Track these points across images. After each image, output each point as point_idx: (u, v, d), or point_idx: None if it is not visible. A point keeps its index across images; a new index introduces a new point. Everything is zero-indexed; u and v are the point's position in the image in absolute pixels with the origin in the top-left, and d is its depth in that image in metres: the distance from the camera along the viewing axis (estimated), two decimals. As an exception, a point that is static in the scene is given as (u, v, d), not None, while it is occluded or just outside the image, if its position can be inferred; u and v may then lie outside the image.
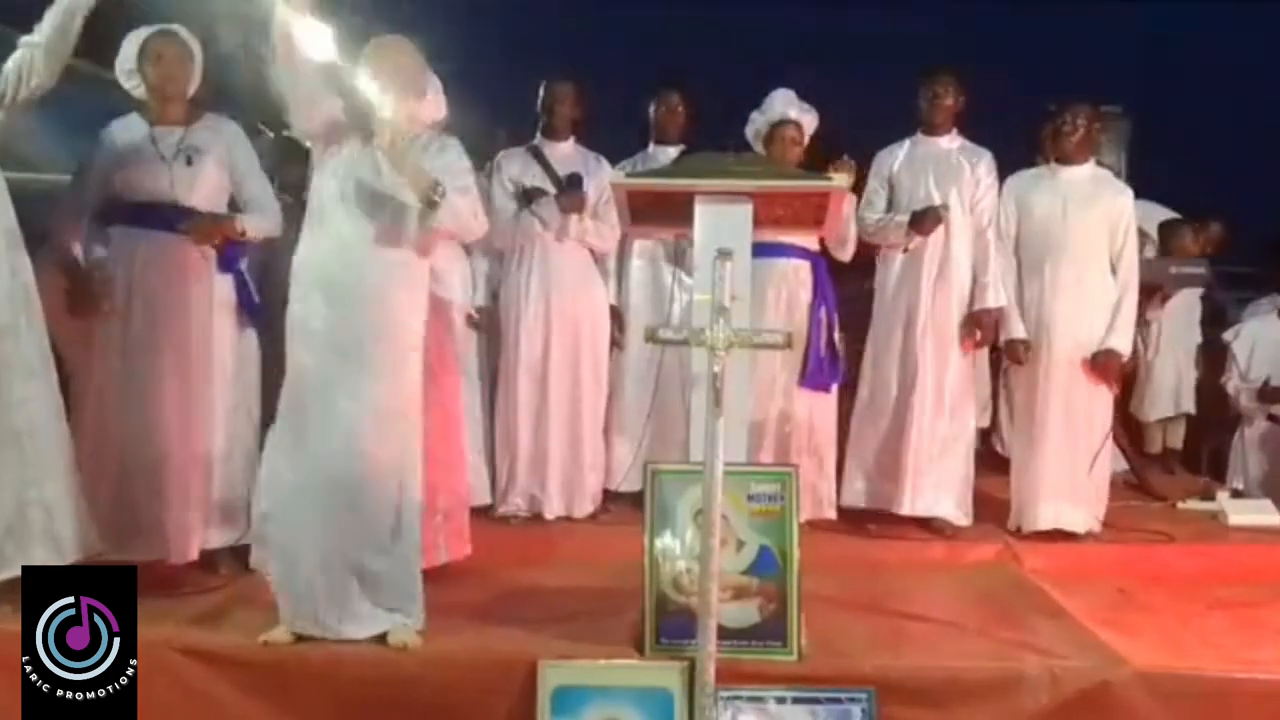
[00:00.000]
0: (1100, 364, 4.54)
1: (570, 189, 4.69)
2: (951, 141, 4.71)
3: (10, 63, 3.45)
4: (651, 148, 5.08)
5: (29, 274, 3.54)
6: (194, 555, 3.85)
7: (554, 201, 4.68)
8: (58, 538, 3.46)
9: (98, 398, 3.86)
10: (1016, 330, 4.69)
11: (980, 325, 4.66)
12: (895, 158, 4.72)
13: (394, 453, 3.31)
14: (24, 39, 3.44)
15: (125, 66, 3.94)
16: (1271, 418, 5.73)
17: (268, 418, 4.02)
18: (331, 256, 3.29)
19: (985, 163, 4.69)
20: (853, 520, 4.68)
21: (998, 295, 4.65)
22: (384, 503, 3.30)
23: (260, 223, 4.00)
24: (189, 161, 3.89)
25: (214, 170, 3.93)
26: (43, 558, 3.39)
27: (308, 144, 3.44)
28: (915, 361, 4.61)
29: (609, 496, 4.88)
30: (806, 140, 4.73)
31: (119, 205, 3.91)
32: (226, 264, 3.98)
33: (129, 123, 3.95)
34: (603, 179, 4.74)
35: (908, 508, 4.57)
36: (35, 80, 3.46)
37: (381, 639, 3.27)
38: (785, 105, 4.73)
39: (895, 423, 4.63)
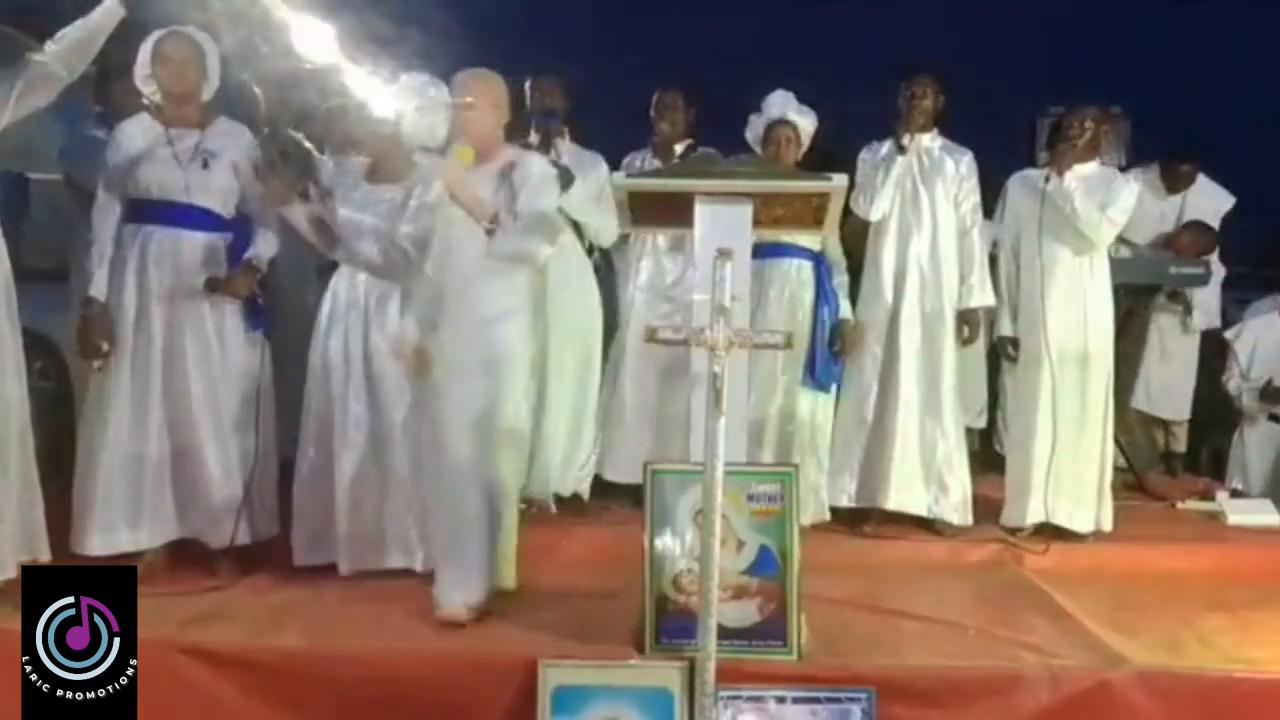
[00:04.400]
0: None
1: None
2: (934, 140, 4.72)
3: (18, 76, 3.49)
4: (650, 149, 5.06)
5: (8, 268, 3.58)
6: (227, 541, 3.91)
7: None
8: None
9: (106, 393, 3.90)
10: (1005, 328, 4.76)
11: (967, 324, 4.67)
12: (877, 155, 4.71)
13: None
14: (36, 56, 3.47)
15: (142, 72, 3.96)
16: (1273, 418, 5.73)
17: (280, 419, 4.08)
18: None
19: (967, 161, 4.70)
20: (851, 520, 4.68)
21: (984, 295, 4.67)
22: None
23: (268, 248, 4.04)
24: (205, 165, 3.91)
25: (227, 175, 3.95)
26: None
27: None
28: (898, 357, 4.61)
29: (607, 490, 4.89)
30: (806, 142, 4.73)
31: (132, 203, 3.94)
32: (234, 264, 3.99)
33: (140, 122, 3.97)
34: (599, 176, 4.75)
35: (893, 502, 4.57)
36: (43, 98, 3.53)
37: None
38: (781, 106, 4.74)
39: (879, 419, 4.64)
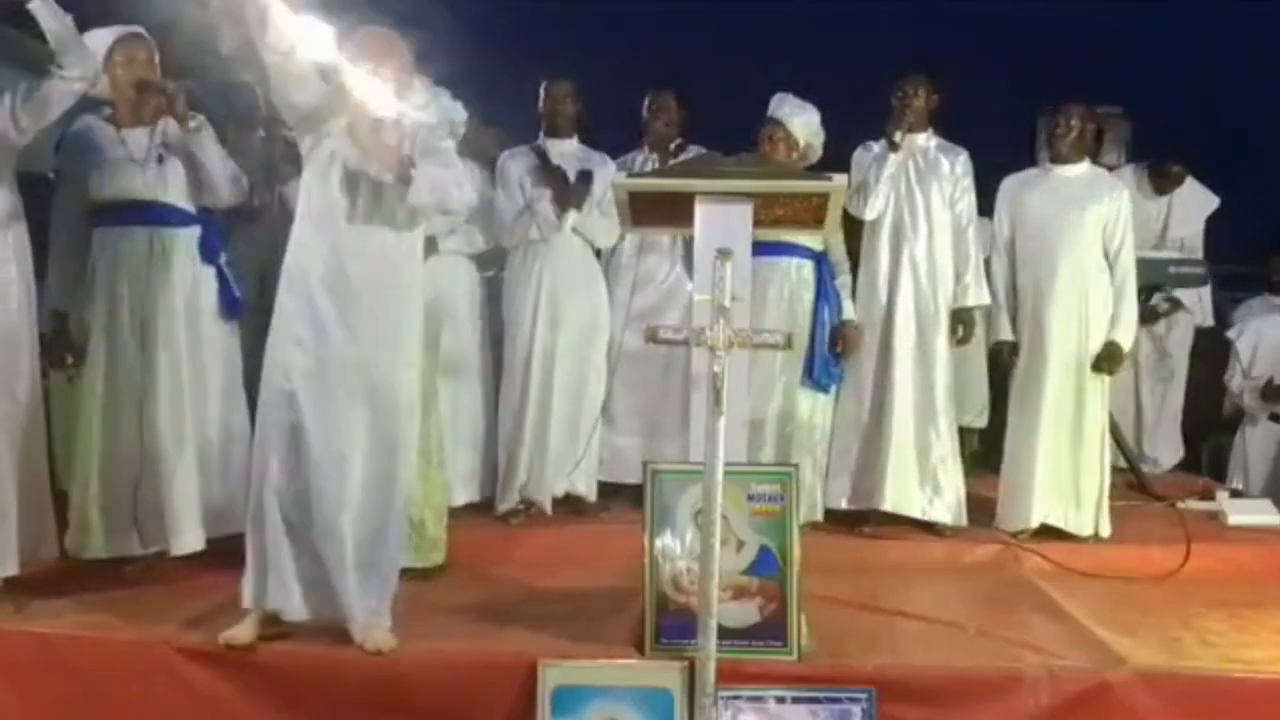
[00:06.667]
0: (1103, 357, 4.56)
1: (578, 185, 4.69)
2: (929, 140, 4.73)
3: (41, 83, 3.52)
4: (646, 148, 5.08)
5: (30, 268, 3.65)
6: (200, 546, 3.91)
7: (550, 199, 4.69)
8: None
9: (88, 393, 3.91)
10: (1003, 332, 4.77)
11: (962, 323, 4.68)
12: (871, 153, 4.71)
13: (397, 449, 3.30)
14: (58, 71, 3.50)
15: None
16: (1274, 417, 5.74)
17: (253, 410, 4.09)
18: (331, 252, 3.24)
19: (962, 161, 4.71)
20: (850, 521, 4.68)
21: (979, 294, 4.68)
22: (379, 502, 3.29)
23: (215, 158, 3.96)
24: (160, 160, 3.93)
25: (185, 165, 3.96)
26: None
27: (296, 137, 3.38)
28: (894, 357, 4.62)
29: (607, 491, 4.89)
30: (803, 141, 4.72)
31: (97, 208, 3.95)
32: (208, 257, 4.02)
33: (91, 126, 3.97)
34: (606, 176, 4.76)
35: (889, 503, 4.57)
36: (66, 103, 3.56)
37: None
38: (773, 106, 4.73)
39: (874, 420, 4.65)
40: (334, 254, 3.24)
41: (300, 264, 3.27)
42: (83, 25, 3.59)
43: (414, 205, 3.24)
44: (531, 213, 4.70)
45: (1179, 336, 6.09)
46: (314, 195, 3.28)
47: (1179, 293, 5.91)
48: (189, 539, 3.88)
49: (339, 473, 3.23)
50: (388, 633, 3.26)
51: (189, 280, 3.97)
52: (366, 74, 3.18)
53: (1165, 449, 6.16)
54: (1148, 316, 5.81)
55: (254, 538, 3.27)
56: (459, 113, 4.37)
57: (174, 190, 3.94)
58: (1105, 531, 4.57)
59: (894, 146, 4.58)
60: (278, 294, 3.30)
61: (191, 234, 3.99)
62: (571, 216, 4.70)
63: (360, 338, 3.24)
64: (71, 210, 3.98)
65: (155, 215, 3.92)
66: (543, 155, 4.77)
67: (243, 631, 3.25)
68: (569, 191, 4.68)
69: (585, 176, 4.71)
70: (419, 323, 3.41)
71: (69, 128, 3.98)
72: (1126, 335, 4.62)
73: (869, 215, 4.67)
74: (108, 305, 3.90)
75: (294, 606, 3.25)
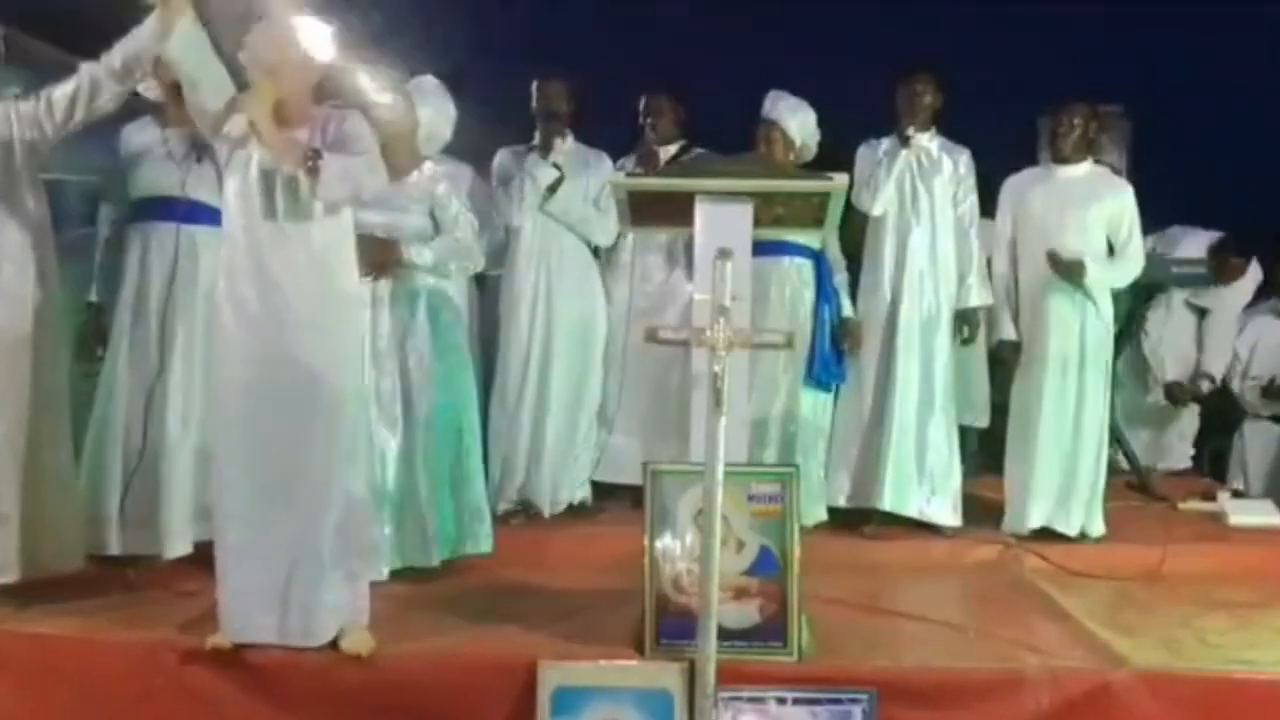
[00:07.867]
0: (1064, 262, 4.57)
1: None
2: (932, 140, 4.73)
3: (69, 85, 3.50)
4: (635, 156, 5.04)
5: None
6: (188, 550, 3.89)
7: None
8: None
9: (107, 389, 3.93)
10: (1006, 331, 4.77)
11: (966, 323, 4.70)
12: (876, 152, 4.72)
13: (337, 445, 3.23)
14: (87, 65, 3.48)
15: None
16: (1275, 418, 5.75)
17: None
18: (255, 251, 3.20)
19: (965, 160, 4.73)
20: (850, 522, 4.68)
21: (982, 294, 4.69)
22: (330, 499, 3.22)
23: None
24: (198, 159, 3.95)
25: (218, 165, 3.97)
26: None
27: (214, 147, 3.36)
28: (897, 356, 4.62)
29: (605, 491, 4.89)
30: (799, 141, 4.72)
31: (134, 204, 4.02)
32: None
33: (142, 125, 4.05)
34: (603, 174, 4.75)
35: (888, 503, 4.57)
36: (97, 106, 3.52)
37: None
38: (768, 107, 4.73)
39: (876, 418, 4.65)
40: (257, 253, 3.19)
41: (231, 264, 3.24)
42: (119, 26, 3.57)
43: (325, 199, 3.19)
44: (509, 196, 4.71)
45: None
46: (235, 196, 3.24)
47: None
48: (180, 542, 3.87)
49: (286, 476, 3.17)
50: (365, 633, 3.24)
51: (214, 279, 3.97)
52: (267, 70, 3.18)
53: (1172, 452, 6.14)
54: (1180, 398, 5.84)
55: None
56: (449, 109, 4.37)
57: (207, 189, 3.92)
58: (1097, 531, 4.57)
59: (906, 142, 4.59)
60: (216, 297, 3.30)
61: (221, 233, 4.00)
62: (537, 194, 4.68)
63: (292, 334, 3.18)
64: (117, 206, 4.05)
65: (186, 213, 3.94)
66: (540, 155, 4.76)
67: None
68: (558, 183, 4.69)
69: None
70: (353, 310, 3.39)
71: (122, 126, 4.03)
72: (1098, 269, 4.56)
73: (876, 211, 4.67)
74: (134, 299, 3.94)
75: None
